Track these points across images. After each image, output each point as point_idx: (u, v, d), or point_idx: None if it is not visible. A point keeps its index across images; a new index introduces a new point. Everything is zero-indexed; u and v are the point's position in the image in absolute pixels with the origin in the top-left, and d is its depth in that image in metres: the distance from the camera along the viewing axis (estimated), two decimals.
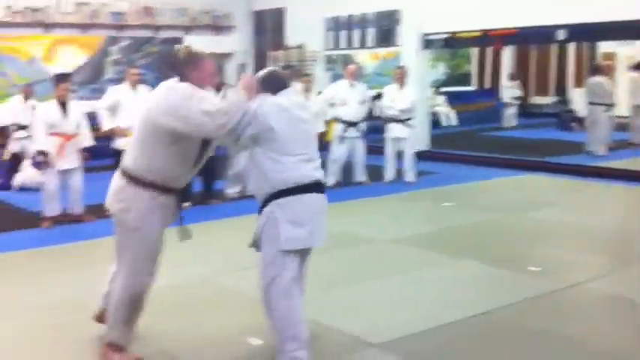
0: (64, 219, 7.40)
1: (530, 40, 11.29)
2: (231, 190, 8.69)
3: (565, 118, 15.70)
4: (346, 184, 9.54)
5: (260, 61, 15.15)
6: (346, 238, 6.64)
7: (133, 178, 3.54)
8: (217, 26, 14.97)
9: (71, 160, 7.29)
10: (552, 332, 4.28)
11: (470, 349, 4.06)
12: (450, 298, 4.97)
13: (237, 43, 15.23)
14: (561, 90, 18.35)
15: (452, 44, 12.04)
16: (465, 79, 17.92)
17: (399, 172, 9.72)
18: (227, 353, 4.04)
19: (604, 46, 15.68)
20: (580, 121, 13.84)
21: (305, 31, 14.05)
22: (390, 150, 9.72)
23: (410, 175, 9.63)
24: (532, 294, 4.97)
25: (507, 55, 18.08)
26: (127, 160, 3.60)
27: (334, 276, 5.43)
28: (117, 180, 3.64)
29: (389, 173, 9.75)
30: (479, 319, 4.49)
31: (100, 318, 4.07)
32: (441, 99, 16.54)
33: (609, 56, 15.27)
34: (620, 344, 4.15)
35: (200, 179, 8.28)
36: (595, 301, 4.99)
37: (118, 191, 3.60)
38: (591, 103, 11.69)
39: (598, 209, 7.96)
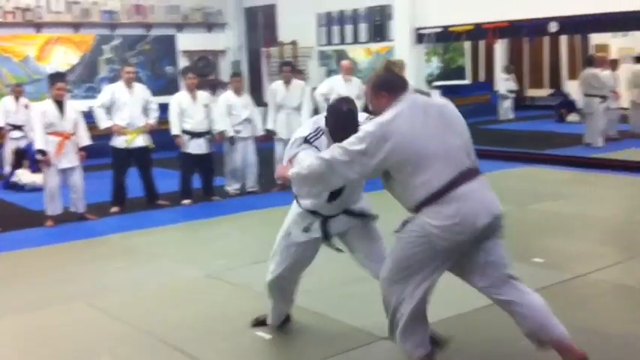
0: (67, 218, 7.36)
1: (523, 33, 11.34)
2: (231, 188, 8.70)
3: (562, 110, 15.66)
4: None
5: (253, 58, 15.12)
6: None
7: None
8: (209, 23, 14.92)
9: (70, 159, 7.26)
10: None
11: (473, 342, 4.02)
12: (451, 291, 4.87)
13: (229, 40, 15.18)
14: (555, 82, 18.37)
15: (445, 38, 12.01)
16: (459, 73, 17.90)
17: None
18: (236, 345, 4.05)
19: (596, 38, 15.69)
20: (577, 112, 13.74)
21: (297, 27, 14.01)
22: None
23: None
24: (537, 285, 4.82)
25: (501, 48, 18.09)
26: None
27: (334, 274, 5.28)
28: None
29: None
30: (482, 312, 4.36)
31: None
32: (436, 93, 16.51)
33: (602, 48, 15.25)
34: (632, 330, 4.13)
35: (200, 176, 8.32)
36: (601, 291, 4.95)
37: None
38: (587, 95, 11.67)
39: (600, 200, 7.91)
